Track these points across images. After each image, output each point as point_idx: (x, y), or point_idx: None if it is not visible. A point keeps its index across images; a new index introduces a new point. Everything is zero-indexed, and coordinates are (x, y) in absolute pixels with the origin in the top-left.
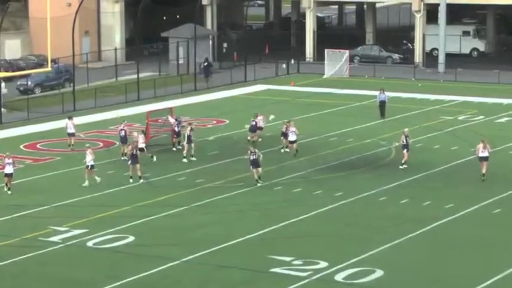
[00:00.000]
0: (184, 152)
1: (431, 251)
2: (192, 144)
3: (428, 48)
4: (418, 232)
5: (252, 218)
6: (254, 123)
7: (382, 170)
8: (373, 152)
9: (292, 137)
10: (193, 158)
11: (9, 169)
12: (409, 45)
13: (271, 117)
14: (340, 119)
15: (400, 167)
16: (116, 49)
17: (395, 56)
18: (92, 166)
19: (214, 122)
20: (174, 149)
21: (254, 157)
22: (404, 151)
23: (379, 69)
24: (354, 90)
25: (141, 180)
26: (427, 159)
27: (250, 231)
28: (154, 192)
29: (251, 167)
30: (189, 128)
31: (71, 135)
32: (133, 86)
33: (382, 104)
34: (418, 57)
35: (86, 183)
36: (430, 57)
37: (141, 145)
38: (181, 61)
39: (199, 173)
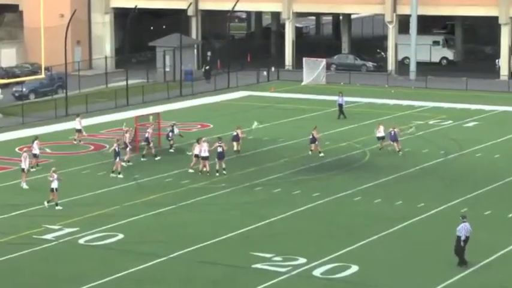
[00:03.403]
0: (114, 167)
1: (403, 247)
2: (117, 159)
3: (400, 57)
4: (390, 230)
5: (234, 217)
6: (235, 133)
7: (357, 172)
8: (348, 155)
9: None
10: (120, 175)
11: (54, 184)
12: (382, 54)
13: (255, 124)
14: (317, 123)
15: (400, 153)
16: (106, 57)
17: (370, 64)
18: (23, 170)
19: (199, 126)
20: (172, 150)
21: (221, 150)
22: (394, 143)
23: (354, 76)
24: (330, 96)
25: (119, 176)
26: (399, 161)
27: (233, 229)
28: (143, 193)
29: (216, 159)
30: (115, 144)
31: (78, 131)
32: (122, 92)
33: (340, 106)
34: (390, 65)
35: (24, 185)
36: (402, 66)
37: (205, 153)
38: (167, 69)
39: (185, 175)
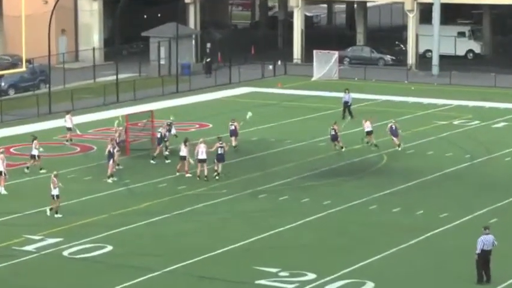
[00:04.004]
0: (109, 171)
1: (424, 262)
2: (111, 162)
3: (421, 50)
4: (410, 242)
5: (236, 227)
6: (233, 127)
7: (373, 177)
8: (363, 158)
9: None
10: (114, 178)
11: (54, 191)
12: (402, 46)
13: (248, 115)
14: (329, 123)
15: (398, 148)
16: (94, 49)
17: (387, 57)
18: (1, 173)
19: (197, 125)
20: (167, 152)
21: (221, 151)
22: (394, 138)
23: (370, 71)
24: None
25: (108, 180)
26: (420, 166)
27: (234, 241)
28: (134, 200)
29: (216, 161)
30: (110, 145)
31: (69, 130)
32: (112, 88)
33: (345, 104)
34: (411, 59)
35: (3, 191)
36: (424, 59)
37: (203, 155)
38: (162, 62)
39: (181, 180)
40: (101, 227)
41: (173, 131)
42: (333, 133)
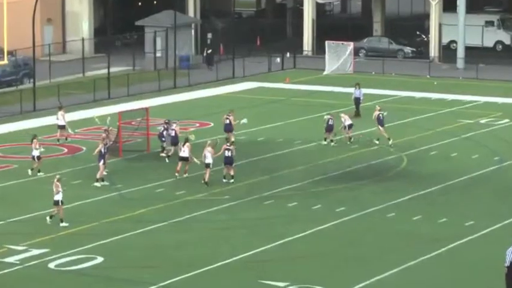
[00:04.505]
0: (99, 174)
1: (447, 276)
2: (101, 163)
3: (445, 41)
4: (432, 254)
5: (239, 237)
6: (228, 121)
7: (391, 181)
8: (381, 161)
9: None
10: (105, 182)
11: (57, 197)
12: (423, 36)
13: (243, 121)
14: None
15: (375, 141)
16: (83, 39)
17: (407, 49)
18: None
19: (197, 124)
20: (164, 154)
21: (229, 154)
22: (381, 128)
23: (389, 64)
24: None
25: (97, 184)
26: (443, 169)
27: (238, 251)
28: (127, 206)
29: (224, 164)
30: (101, 144)
31: (61, 128)
32: (103, 83)
33: (356, 101)
34: (433, 50)
35: None
36: (448, 51)
37: (209, 159)
38: (158, 54)
39: (180, 184)
40: (91, 237)
41: (173, 130)
42: (330, 123)
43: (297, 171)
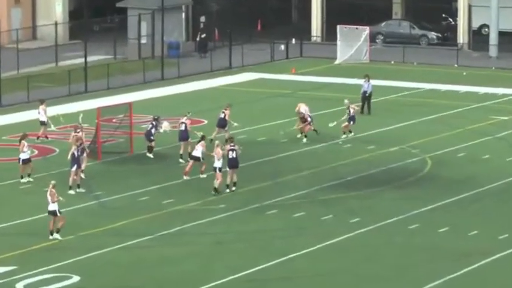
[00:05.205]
0: (71, 180)
1: None
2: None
3: (475, 25)
4: (460, 272)
5: (237, 252)
6: (223, 115)
7: (413, 188)
8: (401, 164)
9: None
10: (81, 189)
11: (52, 206)
12: (451, 20)
13: (235, 125)
14: (357, 118)
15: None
16: (56, 24)
17: (432, 34)
18: None
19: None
20: (150, 155)
21: (234, 155)
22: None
23: (410, 52)
24: (375, 80)
25: (71, 191)
26: (474, 173)
27: (234, 269)
28: (107, 217)
29: (228, 168)
30: (74, 146)
31: (43, 124)
32: (79, 74)
33: (364, 95)
34: (462, 36)
35: None
36: (479, 37)
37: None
38: (144, 40)
39: (168, 191)
40: (65, 252)
41: (164, 128)
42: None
43: (303, 176)
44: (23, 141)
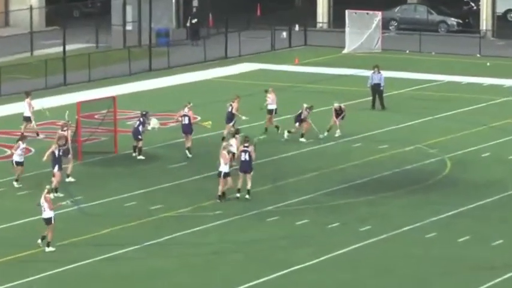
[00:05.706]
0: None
1: None
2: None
3: (500, 10)
4: (486, 285)
5: (233, 264)
6: (230, 108)
7: (431, 192)
8: (417, 165)
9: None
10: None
11: (47, 214)
12: (472, 4)
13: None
14: (369, 114)
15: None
16: (31, 8)
17: (452, 20)
18: None
19: (180, 118)
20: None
21: (246, 157)
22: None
23: (428, 40)
24: (389, 72)
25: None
26: (499, 176)
27: (230, 282)
28: (89, 224)
29: (240, 172)
30: (54, 145)
31: (27, 120)
32: (57, 65)
33: (376, 88)
34: (485, 22)
35: None
36: (504, 23)
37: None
38: (129, 27)
39: (157, 196)
40: (42, 264)
41: (151, 126)
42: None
43: (308, 179)
44: (19, 142)
